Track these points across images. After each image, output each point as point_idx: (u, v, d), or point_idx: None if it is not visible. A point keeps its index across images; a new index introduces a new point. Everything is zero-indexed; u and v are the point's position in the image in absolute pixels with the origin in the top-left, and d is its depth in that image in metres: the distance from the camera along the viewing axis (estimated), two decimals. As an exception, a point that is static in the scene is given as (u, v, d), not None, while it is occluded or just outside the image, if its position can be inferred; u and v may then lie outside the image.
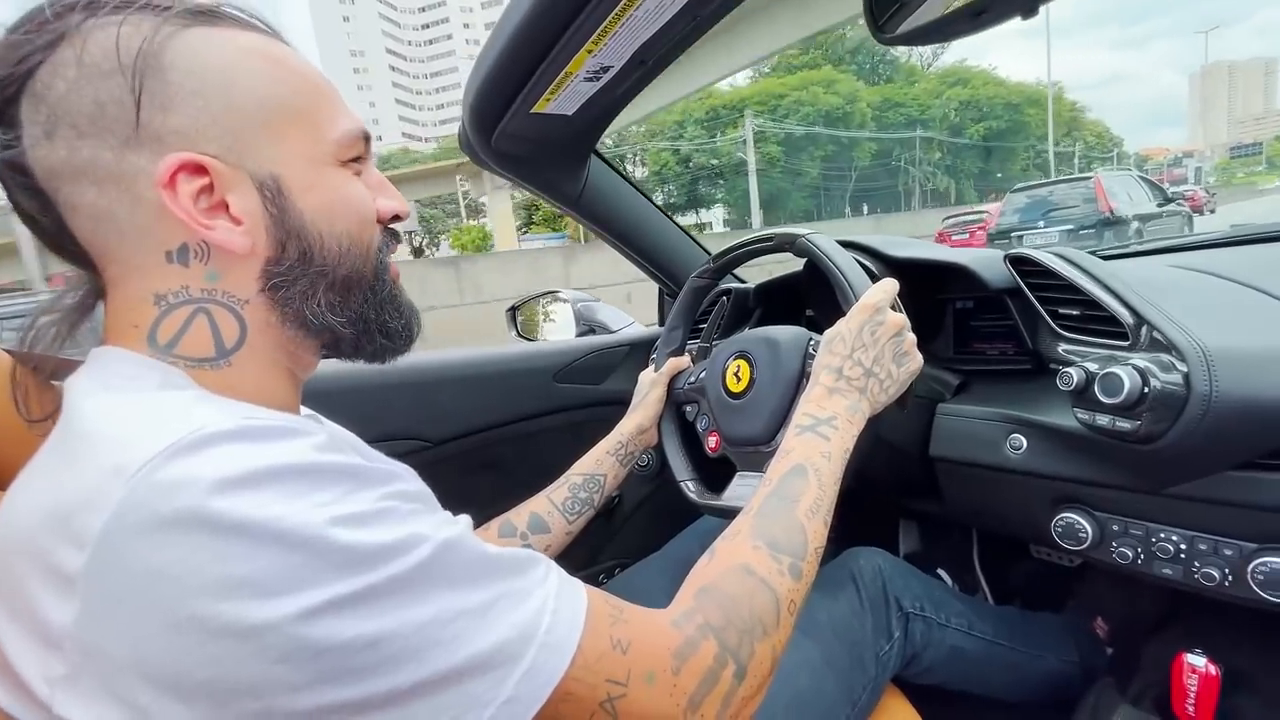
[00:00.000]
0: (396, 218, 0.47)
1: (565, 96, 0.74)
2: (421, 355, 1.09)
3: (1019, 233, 8.26)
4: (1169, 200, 9.02)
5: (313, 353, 0.46)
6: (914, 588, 0.80)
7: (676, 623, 0.41)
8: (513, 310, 1.53)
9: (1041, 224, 8.23)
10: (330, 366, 0.51)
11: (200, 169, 0.37)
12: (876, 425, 0.66)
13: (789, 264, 0.91)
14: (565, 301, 1.39)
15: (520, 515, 0.77)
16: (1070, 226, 7.77)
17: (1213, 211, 21.47)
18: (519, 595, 0.36)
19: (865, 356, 0.61)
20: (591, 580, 1.17)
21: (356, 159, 0.44)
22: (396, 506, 0.35)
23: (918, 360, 0.64)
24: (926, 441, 0.83)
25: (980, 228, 10.51)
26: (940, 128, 42.66)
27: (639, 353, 1.21)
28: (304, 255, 0.41)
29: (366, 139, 0.45)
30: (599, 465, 0.85)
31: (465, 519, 0.39)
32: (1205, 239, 0.91)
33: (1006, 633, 0.85)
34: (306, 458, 0.33)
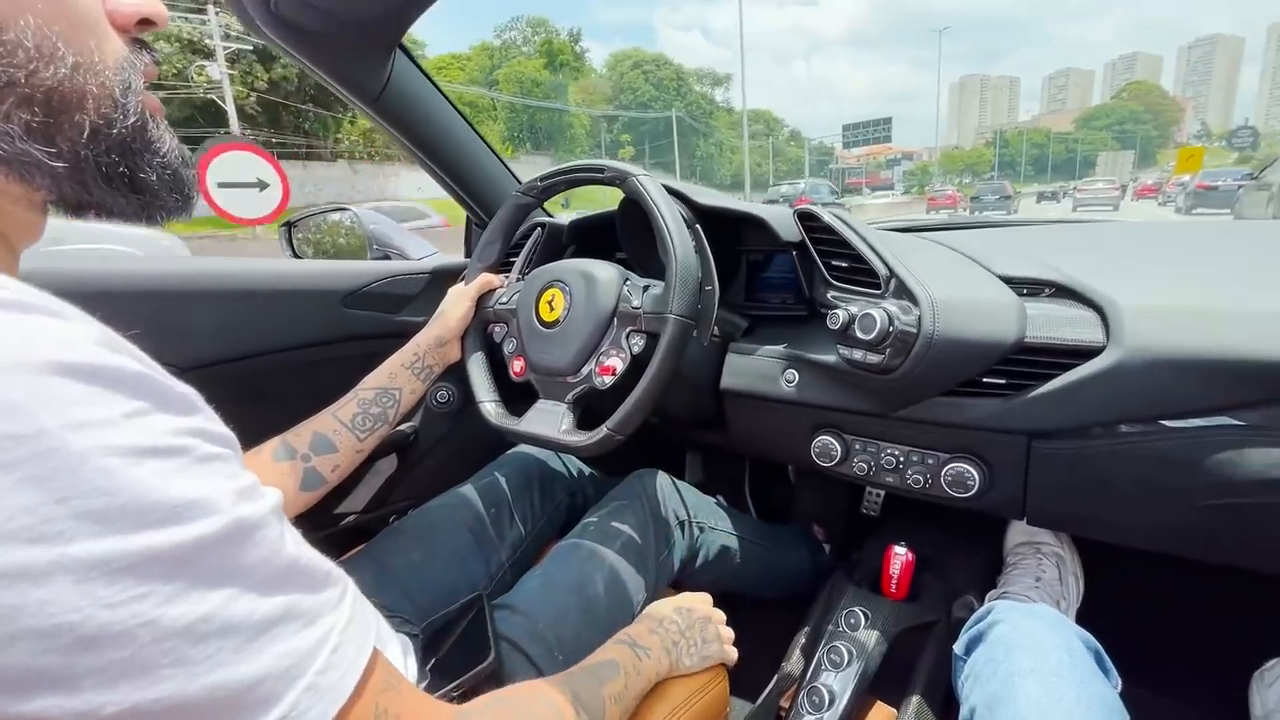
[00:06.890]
0: (147, 23, 0.35)
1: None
2: (170, 263, 0.89)
3: (981, 207, 20.62)
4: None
5: (20, 202, 0.33)
6: (690, 500, 0.90)
7: (462, 712, 0.39)
8: (288, 226, 1.31)
9: (993, 198, 20.97)
10: (45, 262, 0.39)
11: None
12: (678, 363, 0.72)
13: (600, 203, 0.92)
14: (354, 219, 1.23)
15: (300, 436, 0.69)
16: (996, 196, 21.12)
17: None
18: (306, 616, 0.28)
19: (676, 627, 0.70)
20: (382, 522, 1.09)
21: None
22: (196, 446, 0.26)
23: (719, 651, 0.73)
24: (718, 378, 0.91)
25: (948, 198, 23.23)
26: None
27: (441, 283, 1.13)
28: None
29: None
30: (393, 379, 0.79)
31: (275, 494, 0.31)
32: (944, 223, 1.17)
33: (759, 535, 1.02)
34: (87, 356, 0.24)
